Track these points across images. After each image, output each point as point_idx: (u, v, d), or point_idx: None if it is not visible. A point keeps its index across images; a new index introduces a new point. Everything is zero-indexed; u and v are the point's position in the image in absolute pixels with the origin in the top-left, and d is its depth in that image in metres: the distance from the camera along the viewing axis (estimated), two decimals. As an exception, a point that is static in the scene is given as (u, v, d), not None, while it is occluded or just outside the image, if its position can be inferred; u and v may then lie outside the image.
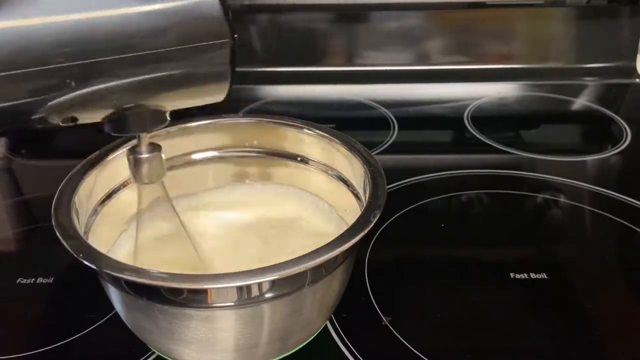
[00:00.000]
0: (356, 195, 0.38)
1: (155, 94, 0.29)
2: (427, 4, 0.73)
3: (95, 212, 0.37)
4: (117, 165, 0.39)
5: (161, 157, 0.33)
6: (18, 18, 0.24)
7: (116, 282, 0.30)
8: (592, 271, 0.43)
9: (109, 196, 0.38)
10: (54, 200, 0.33)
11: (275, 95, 0.68)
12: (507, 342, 0.37)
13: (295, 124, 0.41)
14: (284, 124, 0.41)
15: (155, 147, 0.33)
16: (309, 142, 0.41)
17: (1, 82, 0.25)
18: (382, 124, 0.64)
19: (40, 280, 0.42)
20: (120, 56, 0.26)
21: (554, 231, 0.48)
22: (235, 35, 0.28)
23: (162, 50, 0.27)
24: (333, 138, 0.40)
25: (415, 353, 0.35)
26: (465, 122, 0.65)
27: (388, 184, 0.35)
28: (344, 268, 0.33)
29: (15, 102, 0.26)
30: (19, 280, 0.42)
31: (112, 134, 0.30)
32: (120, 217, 0.40)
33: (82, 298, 0.40)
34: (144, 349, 0.36)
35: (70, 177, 0.35)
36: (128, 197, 0.40)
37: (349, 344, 0.36)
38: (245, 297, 0.29)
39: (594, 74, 0.74)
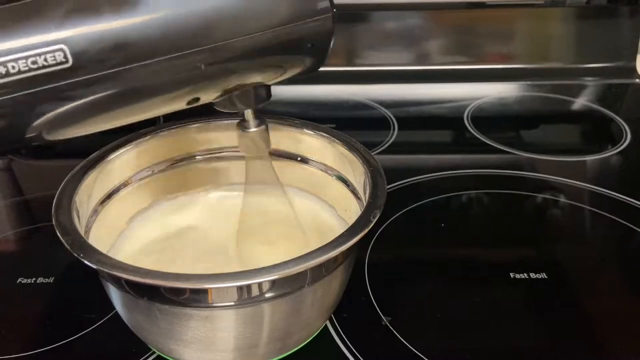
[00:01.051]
0: (356, 195, 0.38)
1: (261, 72, 0.31)
2: (427, 4, 0.73)
3: (95, 212, 0.37)
4: (117, 165, 0.39)
5: (267, 130, 0.35)
6: (152, 13, 0.26)
7: (116, 282, 0.30)
8: (592, 271, 0.43)
9: (109, 196, 0.38)
10: (54, 200, 0.33)
11: (275, 95, 0.68)
12: (507, 342, 0.37)
13: (295, 124, 0.41)
14: (284, 124, 0.41)
15: (262, 121, 0.35)
16: (309, 142, 0.41)
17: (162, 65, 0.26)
18: (382, 124, 0.64)
19: (40, 280, 0.42)
20: (237, 39, 0.28)
21: (554, 231, 0.48)
22: (334, 9, 0.30)
23: (270, 30, 0.28)
24: (333, 138, 0.40)
25: (415, 353, 0.35)
26: (465, 122, 0.65)
27: (388, 184, 0.35)
28: (344, 268, 0.33)
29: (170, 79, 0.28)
30: (19, 280, 0.42)
31: (221, 110, 0.33)
32: (120, 217, 0.40)
33: (82, 298, 0.40)
34: (144, 349, 0.36)
35: (70, 177, 0.35)
36: (128, 197, 0.40)
37: (349, 344, 0.36)
38: (245, 297, 0.29)
39: (594, 74, 0.74)
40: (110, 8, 0.25)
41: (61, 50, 0.24)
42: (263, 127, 0.35)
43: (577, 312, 0.39)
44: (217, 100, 0.32)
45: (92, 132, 0.29)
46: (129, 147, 0.39)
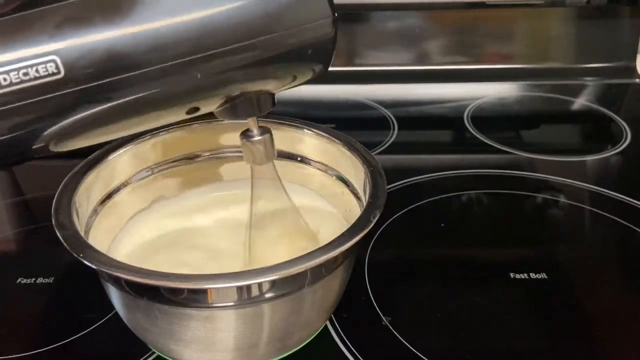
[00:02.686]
0: (356, 195, 0.38)
1: (261, 80, 0.30)
2: (427, 4, 0.73)
3: (95, 212, 0.37)
4: (117, 165, 0.39)
5: (272, 138, 0.34)
6: (145, 22, 0.25)
7: (116, 282, 0.30)
8: (592, 271, 0.43)
9: (109, 196, 0.38)
10: (54, 200, 0.33)
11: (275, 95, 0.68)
12: (507, 342, 0.37)
13: (295, 124, 0.41)
14: (284, 124, 0.41)
15: (265, 130, 0.34)
16: (309, 142, 0.41)
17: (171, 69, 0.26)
18: (382, 124, 0.64)
19: (40, 280, 0.42)
20: (233, 46, 0.27)
21: (554, 231, 0.48)
22: (336, 14, 0.29)
23: (270, 36, 0.28)
24: (333, 138, 0.40)
25: (415, 353, 0.35)
26: (465, 122, 0.65)
27: (388, 184, 0.35)
28: (344, 268, 0.33)
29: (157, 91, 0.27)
30: (19, 280, 0.42)
31: (224, 119, 0.32)
32: (120, 217, 0.40)
33: (82, 298, 0.40)
34: (144, 349, 0.36)
35: (70, 177, 0.35)
36: (128, 197, 0.40)
37: (349, 344, 0.36)
38: (245, 297, 0.29)
39: (594, 74, 0.74)
40: (102, 18, 0.25)
41: (53, 61, 0.24)
42: (267, 135, 0.34)
43: (577, 312, 0.39)
44: (218, 109, 0.31)
45: (90, 144, 0.29)
46: (129, 147, 0.39)
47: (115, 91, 0.26)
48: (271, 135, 0.34)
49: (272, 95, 0.32)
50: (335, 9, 0.29)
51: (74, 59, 0.24)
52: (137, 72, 0.26)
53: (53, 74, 0.24)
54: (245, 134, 0.34)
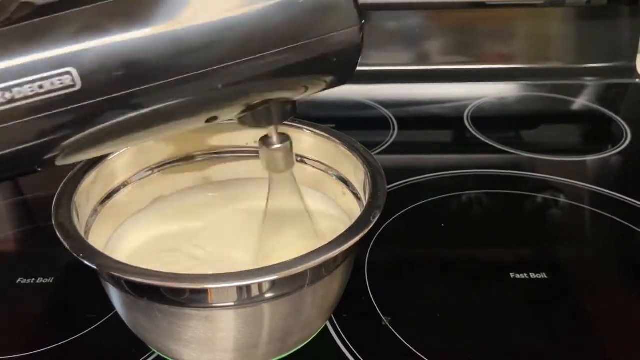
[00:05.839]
0: (356, 195, 0.38)
1: (284, 89, 0.29)
2: (427, 4, 0.73)
3: (95, 212, 0.37)
4: (117, 165, 0.39)
5: (291, 146, 0.34)
6: (166, 27, 0.24)
7: (116, 282, 0.30)
8: (592, 271, 0.43)
9: (109, 196, 0.38)
10: (54, 200, 0.33)
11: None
12: (507, 342, 0.37)
13: (295, 124, 0.41)
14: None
15: (285, 137, 0.33)
16: (309, 142, 0.41)
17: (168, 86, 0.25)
18: (382, 124, 0.64)
19: (40, 280, 0.42)
20: (257, 55, 0.26)
21: (554, 231, 0.48)
22: (363, 21, 0.28)
23: (294, 45, 0.27)
24: (333, 138, 0.40)
25: (415, 353, 0.35)
26: (465, 122, 0.65)
27: (388, 184, 0.35)
28: (344, 268, 0.33)
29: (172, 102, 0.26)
30: (19, 280, 0.42)
31: (245, 126, 0.31)
32: (120, 217, 0.40)
33: (82, 298, 0.40)
34: (144, 349, 0.36)
35: (70, 177, 0.35)
36: (128, 197, 0.40)
37: (349, 344, 0.36)
38: (245, 297, 0.29)
39: (594, 74, 0.74)
40: (118, 27, 0.24)
41: (68, 73, 0.23)
42: (287, 143, 0.33)
43: (577, 311, 0.39)
44: (239, 116, 0.30)
45: (99, 155, 0.28)
46: (129, 147, 0.39)
47: (133, 103, 0.25)
48: (291, 142, 0.34)
49: (294, 102, 0.31)
50: (362, 15, 0.28)
51: (90, 70, 0.23)
52: (157, 83, 0.25)
53: (69, 86, 0.23)
54: (265, 141, 0.33)
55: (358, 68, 0.31)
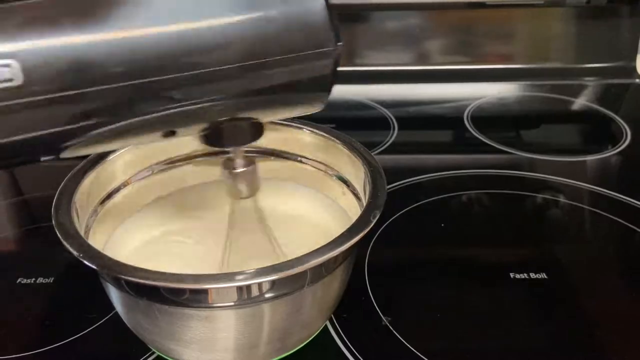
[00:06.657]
0: (356, 195, 0.38)
1: (253, 106, 0.27)
2: (427, 4, 0.73)
3: (95, 212, 0.37)
4: (116, 165, 0.39)
5: (257, 170, 0.31)
6: (122, 30, 0.23)
7: (116, 282, 0.30)
8: (592, 271, 0.43)
9: (109, 196, 0.38)
10: (54, 200, 0.33)
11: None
12: (507, 342, 0.37)
13: (295, 124, 0.41)
14: (284, 124, 0.41)
15: (250, 161, 0.31)
16: (309, 142, 0.41)
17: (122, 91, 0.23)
18: (382, 124, 0.64)
19: (40, 280, 0.42)
20: (221, 67, 0.24)
21: (554, 231, 0.48)
22: (340, 43, 0.26)
23: (263, 60, 0.25)
24: (333, 138, 0.40)
25: (415, 353, 0.35)
26: (465, 122, 0.65)
27: (388, 184, 0.35)
28: (344, 268, 0.33)
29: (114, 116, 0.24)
30: (19, 280, 0.42)
31: (208, 146, 0.29)
32: (120, 217, 0.40)
33: (82, 298, 0.40)
34: (144, 349, 0.36)
35: (70, 177, 0.35)
36: (128, 197, 0.40)
37: (349, 344, 0.36)
38: (245, 297, 0.29)
39: (594, 74, 0.74)
40: (72, 22, 0.22)
41: (9, 65, 0.21)
42: (251, 167, 0.31)
43: (577, 311, 0.39)
44: (200, 134, 0.28)
45: (64, 157, 0.26)
46: (129, 147, 0.39)
47: (81, 106, 0.23)
48: (255, 166, 0.31)
49: (261, 125, 0.29)
50: (340, 36, 0.26)
51: (35, 65, 0.22)
52: (107, 87, 0.23)
53: (9, 79, 0.21)
54: (227, 163, 0.31)
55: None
